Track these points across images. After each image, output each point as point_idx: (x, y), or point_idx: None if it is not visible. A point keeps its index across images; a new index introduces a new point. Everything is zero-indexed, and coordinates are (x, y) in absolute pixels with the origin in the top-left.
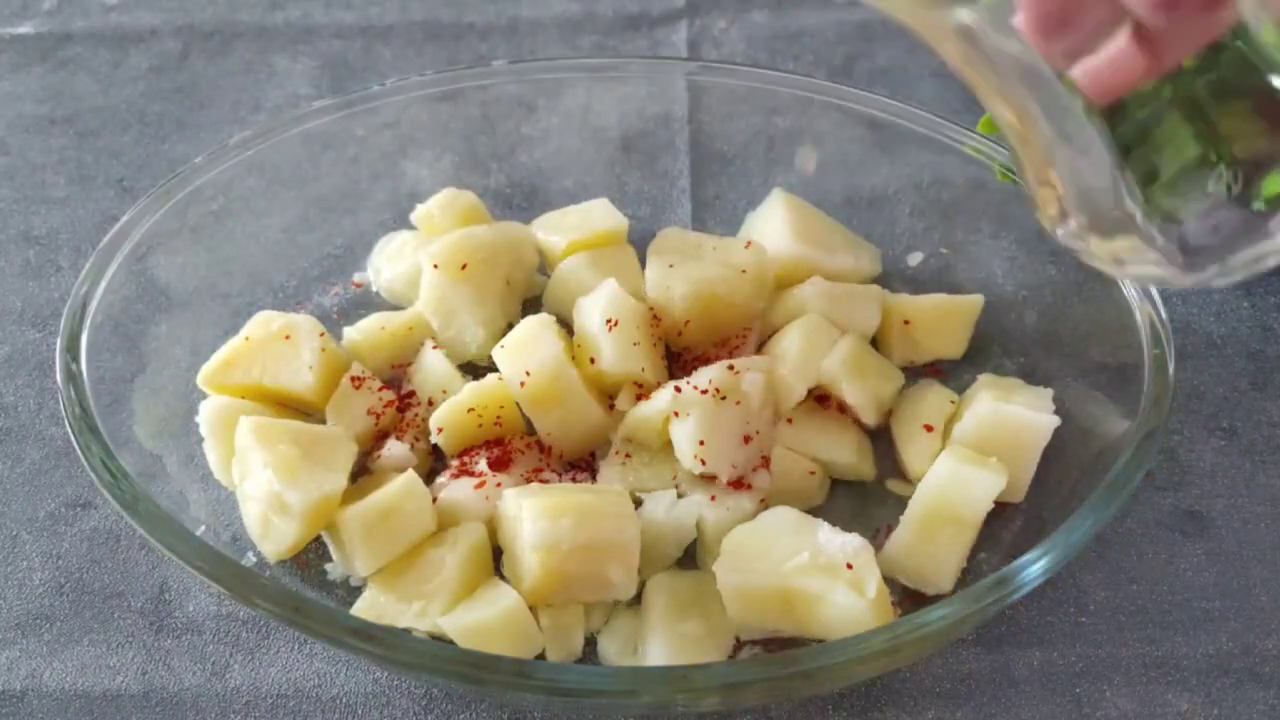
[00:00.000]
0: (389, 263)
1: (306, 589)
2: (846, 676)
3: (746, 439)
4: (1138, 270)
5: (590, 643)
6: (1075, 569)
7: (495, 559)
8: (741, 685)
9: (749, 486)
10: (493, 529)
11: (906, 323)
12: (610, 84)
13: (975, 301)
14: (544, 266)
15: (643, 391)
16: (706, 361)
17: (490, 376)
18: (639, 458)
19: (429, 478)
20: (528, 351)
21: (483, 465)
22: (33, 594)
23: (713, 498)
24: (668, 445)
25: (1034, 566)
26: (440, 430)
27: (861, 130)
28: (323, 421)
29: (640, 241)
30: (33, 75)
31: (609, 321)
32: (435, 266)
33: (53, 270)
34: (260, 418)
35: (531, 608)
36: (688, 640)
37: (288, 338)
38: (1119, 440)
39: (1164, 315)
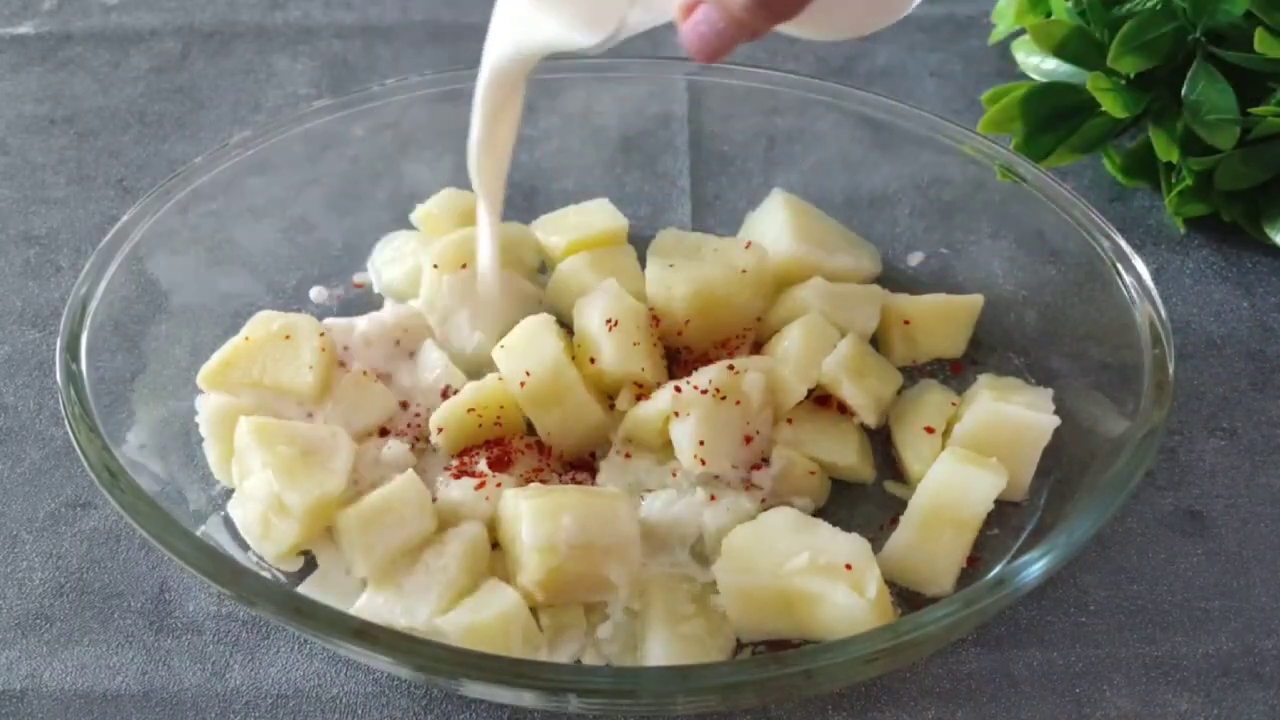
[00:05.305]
0: (389, 263)
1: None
2: (846, 676)
3: (747, 439)
4: None
5: (590, 643)
6: (1075, 569)
7: (495, 559)
8: (741, 685)
9: (749, 486)
10: (493, 529)
11: (906, 323)
12: (610, 84)
13: (975, 301)
14: (544, 266)
15: (643, 391)
16: (706, 361)
17: (490, 376)
18: (639, 458)
19: (429, 478)
20: (528, 351)
21: (483, 465)
22: (33, 594)
23: (713, 498)
24: (668, 445)
25: (1034, 566)
26: (440, 430)
27: (861, 130)
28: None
29: (640, 241)
30: (33, 75)
31: (609, 321)
32: (435, 266)
33: (53, 270)
34: (260, 418)
35: (531, 608)
36: (688, 640)
37: (288, 338)
38: (1119, 440)
39: (1164, 315)
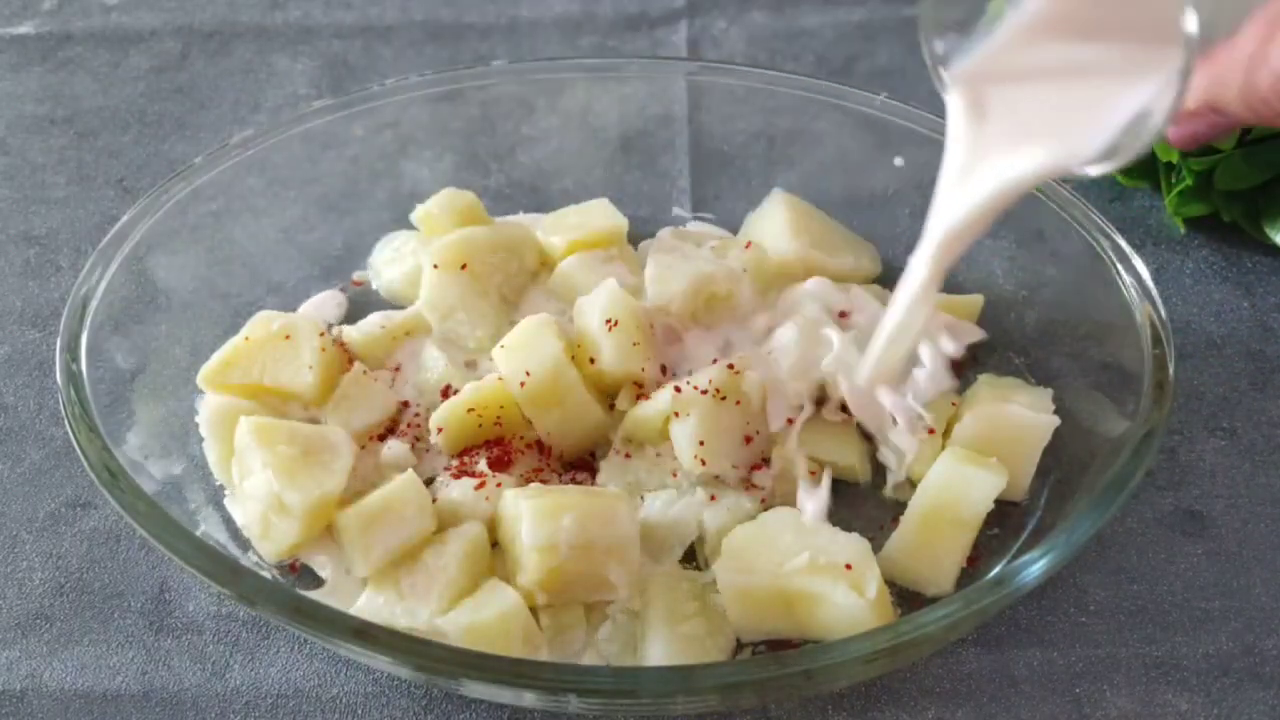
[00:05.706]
0: (389, 263)
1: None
2: (847, 676)
3: (747, 439)
4: None
5: (590, 643)
6: (1075, 569)
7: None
8: (741, 685)
9: (749, 486)
10: (493, 529)
11: None
12: (610, 84)
13: (975, 301)
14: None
15: (643, 391)
16: None
17: (490, 376)
18: (639, 458)
19: (428, 478)
20: (528, 351)
21: (483, 465)
22: (33, 594)
23: (713, 497)
24: (668, 445)
25: (1034, 566)
26: (440, 430)
27: (861, 130)
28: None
29: (640, 242)
30: (33, 75)
31: (609, 321)
32: (435, 266)
33: (53, 270)
34: (260, 418)
35: (531, 608)
36: (688, 640)
37: (288, 338)
38: (1119, 440)
39: (1164, 315)
